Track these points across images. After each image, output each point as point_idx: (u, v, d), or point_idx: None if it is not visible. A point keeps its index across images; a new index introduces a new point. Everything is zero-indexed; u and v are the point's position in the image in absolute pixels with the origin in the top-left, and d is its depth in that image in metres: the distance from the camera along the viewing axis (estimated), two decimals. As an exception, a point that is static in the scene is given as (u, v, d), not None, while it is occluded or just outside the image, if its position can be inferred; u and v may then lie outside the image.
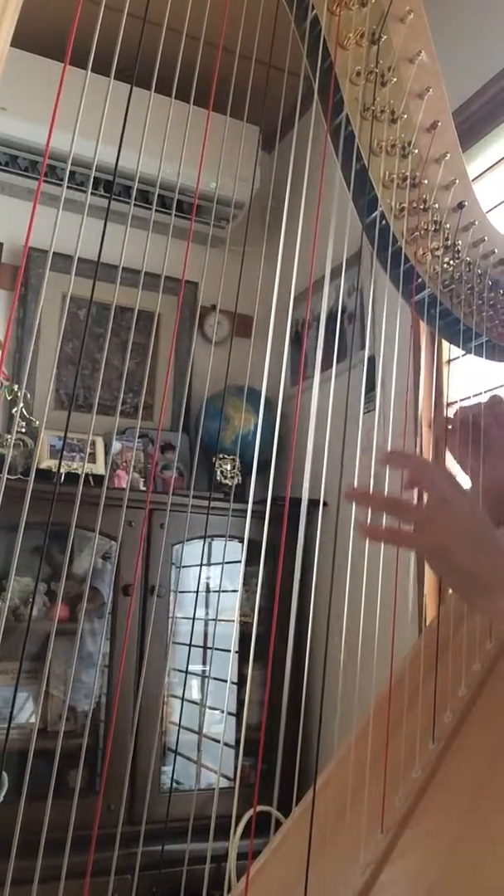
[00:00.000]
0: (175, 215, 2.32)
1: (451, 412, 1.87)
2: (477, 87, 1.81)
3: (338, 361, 2.23)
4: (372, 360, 2.09)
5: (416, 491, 0.71)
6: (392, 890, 0.77)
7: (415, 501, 0.70)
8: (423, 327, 1.88)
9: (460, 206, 0.91)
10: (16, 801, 1.77)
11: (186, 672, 2.19)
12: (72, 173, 2.35)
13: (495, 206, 1.77)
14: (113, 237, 0.68)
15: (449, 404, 1.92)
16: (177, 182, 2.36)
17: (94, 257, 0.71)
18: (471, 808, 0.79)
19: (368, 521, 0.70)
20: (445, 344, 1.75)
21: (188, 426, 2.62)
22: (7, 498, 0.59)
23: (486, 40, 1.83)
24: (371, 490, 0.72)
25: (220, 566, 2.33)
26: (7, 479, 0.64)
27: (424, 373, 1.93)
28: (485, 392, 1.07)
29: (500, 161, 1.84)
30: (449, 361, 1.95)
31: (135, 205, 2.44)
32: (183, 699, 2.22)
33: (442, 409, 0.92)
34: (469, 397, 1.11)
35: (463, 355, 1.79)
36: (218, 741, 2.21)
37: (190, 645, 2.22)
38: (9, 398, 2.28)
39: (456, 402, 1.89)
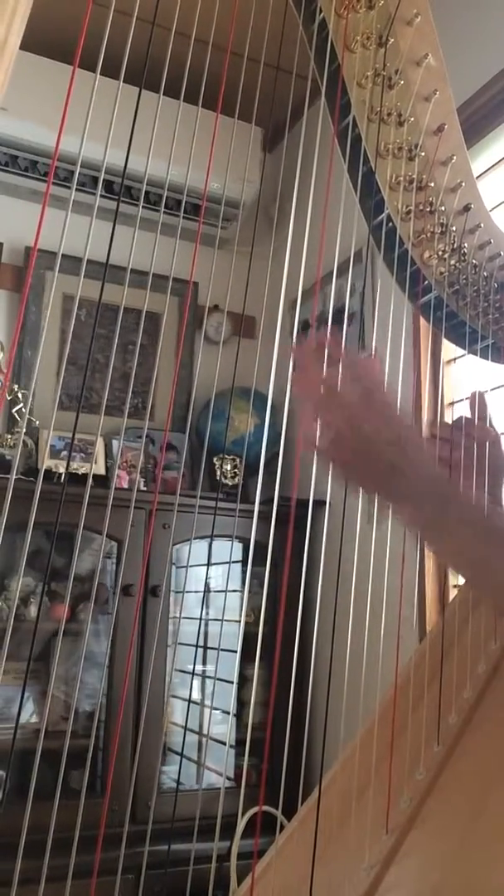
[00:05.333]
0: (174, 215, 2.32)
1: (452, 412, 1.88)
2: (477, 87, 1.81)
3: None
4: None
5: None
6: (397, 891, 0.78)
7: None
8: (424, 327, 1.88)
9: (466, 208, 0.91)
10: (15, 802, 1.77)
11: (193, 673, 2.19)
12: (70, 173, 2.35)
13: (496, 206, 1.77)
14: (115, 238, 0.68)
15: (449, 404, 1.93)
16: (174, 182, 2.36)
17: (93, 257, 0.71)
18: (476, 810, 0.79)
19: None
20: (446, 344, 1.76)
21: (189, 427, 2.62)
22: (4, 498, 0.59)
23: (486, 40, 1.83)
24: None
25: (222, 566, 2.33)
26: (6, 479, 0.64)
27: (430, 373, 1.93)
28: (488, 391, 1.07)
29: (500, 161, 1.84)
30: (450, 361, 1.95)
31: (133, 205, 2.44)
32: (189, 700, 2.22)
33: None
34: (465, 398, 1.13)
35: (462, 356, 1.80)
36: (219, 741, 2.21)
37: (197, 646, 2.22)
38: (9, 398, 2.28)
39: (455, 402, 1.90)
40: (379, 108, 0.84)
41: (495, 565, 0.68)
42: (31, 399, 2.34)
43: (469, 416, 1.00)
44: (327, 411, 0.69)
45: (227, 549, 2.28)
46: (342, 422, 0.69)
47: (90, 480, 0.73)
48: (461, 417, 1.00)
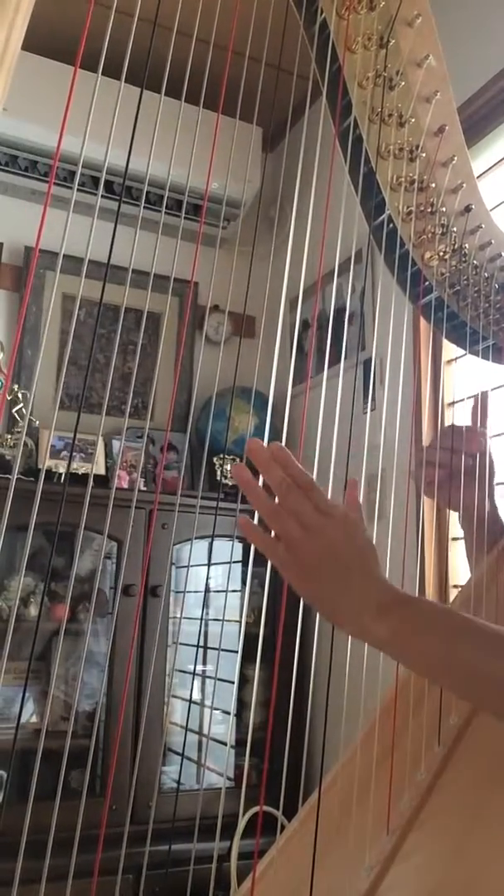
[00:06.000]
0: (175, 216, 2.32)
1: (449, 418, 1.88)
2: (478, 87, 1.82)
3: (338, 362, 2.23)
4: (374, 361, 2.10)
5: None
6: (397, 891, 0.78)
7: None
8: (424, 328, 1.89)
9: (467, 209, 0.91)
10: (15, 802, 1.77)
11: (193, 673, 2.19)
12: (70, 173, 2.35)
13: (496, 206, 1.77)
14: (115, 238, 0.68)
15: (449, 405, 1.93)
16: (174, 182, 2.36)
17: (93, 257, 0.71)
18: (477, 810, 0.79)
19: None
20: (446, 344, 1.76)
21: (189, 426, 2.62)
22: (4, 498, 0.59)
23: (486, 40, 1.83)
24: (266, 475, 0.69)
25: (222, 566, 2.33)
26: (6, 479, 0.64)
27: (431, 373, 1.93)
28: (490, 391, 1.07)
29: (500, 161, 1.84)
30: (450, 362, 1.95)
31: (134, 205, 2.44)
32: (190, 700, 2.22)
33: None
34: (465, 398, 1.13)
35: (463, 356, 1.80)
36: (219, 742, 2.21)
37: (197, 646, 2.22)
38: (9, 398, 2.28)
39: (455, 402, 1.90)
40: (380, 109, 0.84)
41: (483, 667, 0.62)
42: (31, 399, 2.34)
43: (471, 417, 1.00)
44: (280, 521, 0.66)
45: (227, 549, 2.28)
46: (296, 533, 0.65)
47: (90, 480, 0.73)
48: (451, 426, 0.99)
